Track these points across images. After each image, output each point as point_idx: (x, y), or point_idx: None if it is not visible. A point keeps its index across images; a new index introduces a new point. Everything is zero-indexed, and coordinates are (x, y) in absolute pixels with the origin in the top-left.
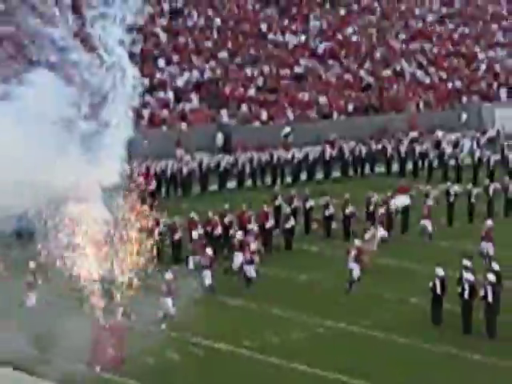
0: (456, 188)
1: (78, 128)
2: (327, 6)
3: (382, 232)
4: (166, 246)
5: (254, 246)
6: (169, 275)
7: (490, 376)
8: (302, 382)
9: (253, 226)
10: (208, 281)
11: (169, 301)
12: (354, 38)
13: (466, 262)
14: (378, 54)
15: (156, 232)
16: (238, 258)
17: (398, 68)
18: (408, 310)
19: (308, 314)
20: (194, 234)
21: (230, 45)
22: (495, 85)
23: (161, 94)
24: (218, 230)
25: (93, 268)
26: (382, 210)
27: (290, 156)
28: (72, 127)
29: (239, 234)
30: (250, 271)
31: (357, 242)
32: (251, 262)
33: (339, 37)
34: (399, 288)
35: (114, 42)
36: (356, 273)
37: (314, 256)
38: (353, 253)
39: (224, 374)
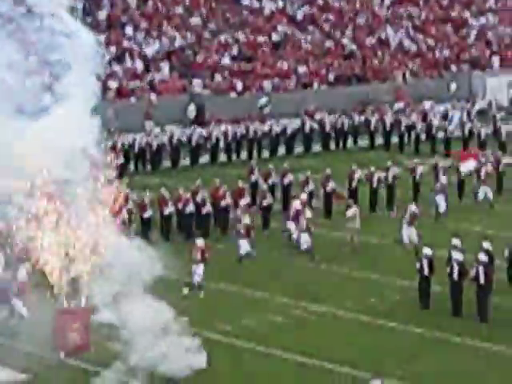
0: (444, 162)
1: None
2: None
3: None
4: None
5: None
6: (200, 242)
7: (482, 361)
8: (287, 367)
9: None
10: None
11: (200, 267)
12: (336, 3)
13: (456, 241)
14: (361, 20)
15: (124, 210)
16: (245, 244)
17: (383, 35)
18: (395, 292)
19: (285, 293)
20: (167, 211)
21: (202, 10)
22: (487, 53)
23: (129, 64)
24: (190, 207)
25: (55, 251)
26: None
27: (267, 129)
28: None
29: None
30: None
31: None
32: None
33: (319, 2)
34: (385, 269)
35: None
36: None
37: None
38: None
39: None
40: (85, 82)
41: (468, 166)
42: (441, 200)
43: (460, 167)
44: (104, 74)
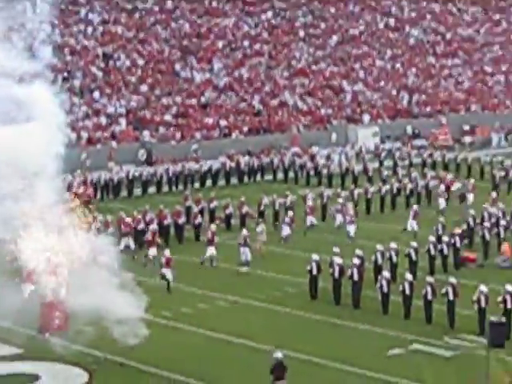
0: (328, 191)
1: None
2: (227, 50)
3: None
4: None
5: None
6: (212, 227)
7: (354, 337)
8: (212, 344)
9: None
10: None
11: (247, 250)
12: (246, 75)
13: (336, 249)
14: (266, 87)
15: (93, 227)
16: (211, 249)
17: (283, 98)
18: (291, 287)
19: (212, 289)
20: (124, 229)
21: (150, 80)
22: (358, 111)
23: (96, 119)
24: (141, 225)
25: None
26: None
27: (198, 167)
28: None
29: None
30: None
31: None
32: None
33: (236, 74)
34: (285, 270)
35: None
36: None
37: (217, 245)
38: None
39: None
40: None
41: (457, 185)
42: (339, 217)
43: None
44: (78, 127)
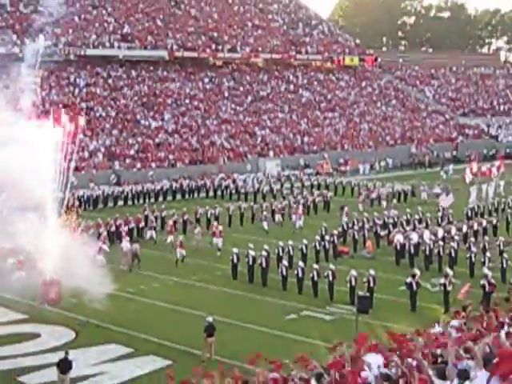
0: (244, 205)
1: None
2: (174, 105)
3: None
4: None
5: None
6: (216, 225)
7: (262, 306)
8: (162, 311)
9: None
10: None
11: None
12: (188, 123)
13: (250, 245)
14: (202, 131)
15: (78, 229)
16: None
17: (213, 139)
18: (219, 271)
19: (162, 273)
20: (101, 230)
21: (119, 126)
22: (266, 149)
23: (81, 154)
24: (113, 228)
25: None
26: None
27: (153, 187)
28: None
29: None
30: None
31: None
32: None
33: (180, 122)
34: (214, 260)
35: None
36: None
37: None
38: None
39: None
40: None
41: (448, 201)
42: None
43: (440, 203)
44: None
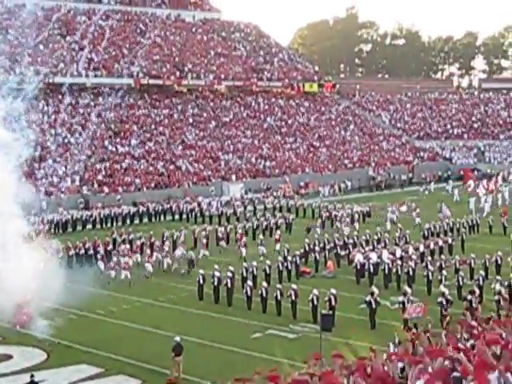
0: (209, 227)
1: None
2: (140, 131)
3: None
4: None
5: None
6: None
7: (228, 325)
8: (131, 332)
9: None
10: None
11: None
12: (154, 148)
13: (216, 266)
14: (167, 157)
15: (49, 251)
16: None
17: (178, 164)
18: (185, 292)
19: (131, 294)
20: (70, 253)
21: (88, 152)
22: (230, 172)
23: (50, 179)
24: (82, 251)
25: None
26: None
27: (120, 211)
28: None
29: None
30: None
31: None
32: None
33: (146, 147)
34: (179, 281)
35: None
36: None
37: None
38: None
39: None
40: None
41: (403, 208)
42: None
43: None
44: (38, 184)
